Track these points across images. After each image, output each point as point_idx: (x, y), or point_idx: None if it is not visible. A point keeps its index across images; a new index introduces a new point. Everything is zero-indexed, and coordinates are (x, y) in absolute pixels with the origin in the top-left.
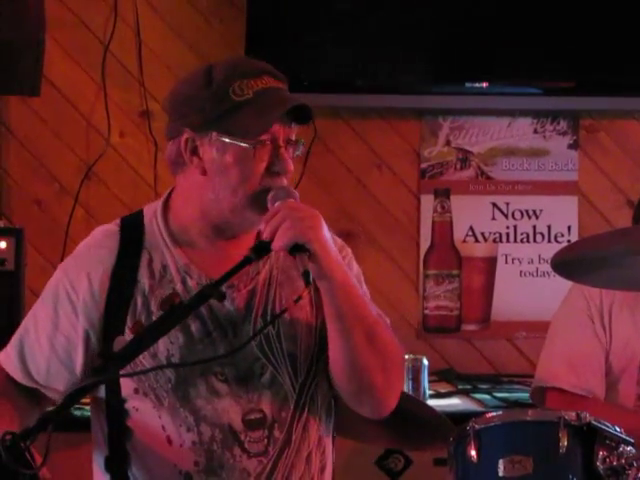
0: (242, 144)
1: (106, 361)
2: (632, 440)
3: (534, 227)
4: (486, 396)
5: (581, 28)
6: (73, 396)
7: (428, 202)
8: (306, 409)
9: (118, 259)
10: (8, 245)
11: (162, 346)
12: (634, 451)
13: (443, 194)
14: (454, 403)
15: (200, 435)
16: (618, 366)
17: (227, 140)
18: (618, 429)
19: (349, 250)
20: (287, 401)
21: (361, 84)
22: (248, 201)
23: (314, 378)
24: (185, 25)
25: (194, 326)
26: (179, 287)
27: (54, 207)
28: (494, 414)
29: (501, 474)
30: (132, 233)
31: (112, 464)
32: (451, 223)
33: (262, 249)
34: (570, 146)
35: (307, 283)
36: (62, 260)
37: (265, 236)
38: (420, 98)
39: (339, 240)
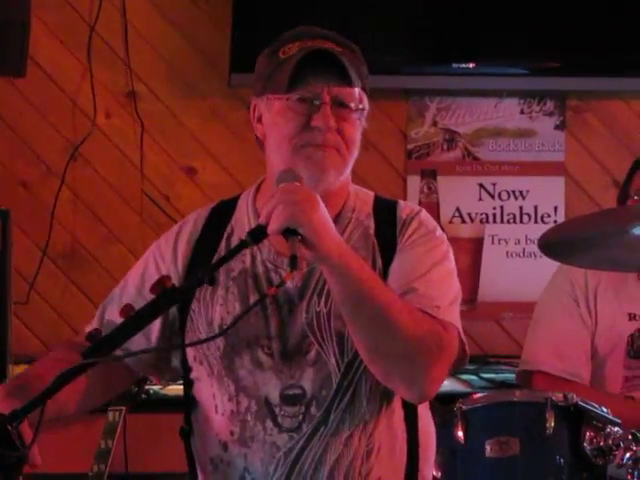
0: (280, 99)
1: (95, 344)
2: (619, 421)
3: (521, 208)
4: (473, 377)
5: (567, 8)
6: (62, 379)
7: (415, 183)
8: (350, 390)
9: (202, 233)
10: None
11: (217, 314)
12: (621, 432)
13: (430, 175)
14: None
15: (238, 405)
16: (604, 349)
17: (271, 97)
18: (605, 410)
19: (437, 242)
20: (330, 380)
21: None
22: (293, 158)
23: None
24: (171, 5)
25: (252, 298)
26: (248, 261)
27: (40, 188)
28: (481, 395)
29: (488, 455)
30: (221, 211)
31: (183, 434)
32: (438, 204)
33: (258, 233)
34: (557, 127)
35: (292, 267)
36: (48, 241)
37: (261, 220)
38: (407, 79)
39: (435, 231)
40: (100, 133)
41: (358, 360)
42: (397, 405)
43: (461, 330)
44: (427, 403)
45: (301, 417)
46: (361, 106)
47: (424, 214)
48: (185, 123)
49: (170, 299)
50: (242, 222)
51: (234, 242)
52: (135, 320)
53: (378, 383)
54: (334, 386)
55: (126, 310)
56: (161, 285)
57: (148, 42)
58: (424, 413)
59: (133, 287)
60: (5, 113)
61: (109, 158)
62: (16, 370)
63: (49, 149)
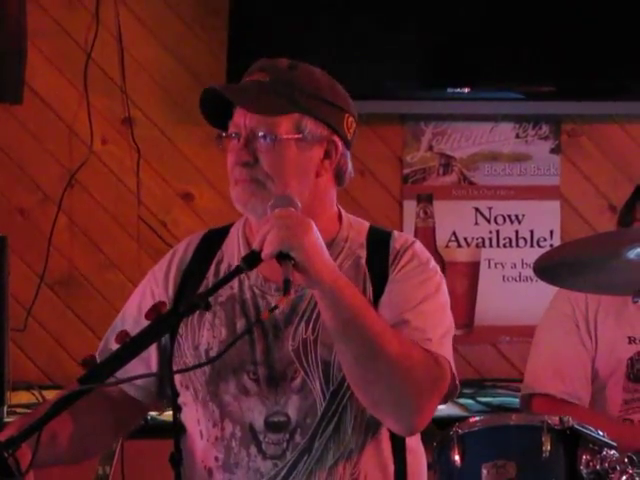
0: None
1: (89, 370)
2: (614, 444)
3: (517, 232)
4: (470, 401)
5: (562, 33)
6: (57, 406)
7: (411, 207)
8: (335, 419)
9: (192, 260)
10: None
11: (204, 339)
12: (617, 455)
13: (426, 199)
14: (438, 408)
15: (223, 431)
16: (604, 372)
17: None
18: (601, 433)
19: (430, 274)
20: (314, 408)
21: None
22: (233, 193)
23: (348, 388)
24: (167, 33)
25: (239, 323)
26: (236, 286)
27: (37, 215)
28: (477, 419)
29: (484, 479)
30: (213, 238)
31: (173, 461)
32: (434, 228)
33: (253, 258)
34: (552, 151)
35: (285, 292)
36: (45, 268)
37: (255, 245)
38: (402, 103)
39: (428, 263)
40: (97, 159)
41: (343, 389)
42: (384, 436)
43: (452, 363)
44: (418, 437)
45: (285, 444)
46: (292, 133)
47: (418, 246)
48: (181, 149)
49: (165, 325)
50: (232, 250)
51: (223, 269)
52: (130, 346)
53: (364, 412)
54: (319, 414)
55: (121, 336)
56: (156, 311)
57: (144, 68)
58: (414, 446)
59: (131, 317)
60: (2, 140)
61: (106, 184)
62: (14, 397)
63: (46, 176)
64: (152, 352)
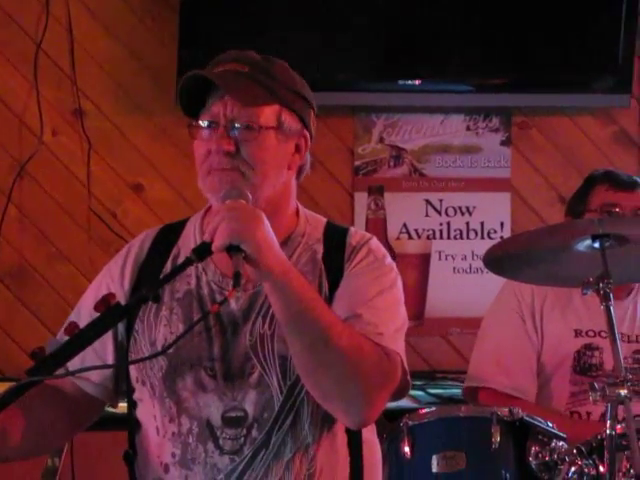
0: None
1: (38, 362)
2: (564, 435)
3: (467, 224)
4: (420, 392)
5: (512, 26)
6: (5, 398)
7: (362, 199)
8: (292, 413)
9: (148, 254)
10: None
11: (161, 335)
12: (566, 446)
13: (377, 191)
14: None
15: (180, 426)
16: (551, 365)
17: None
18: (550, 424)
19: (386, 270)
20: (272, 403)
21: None
22: (203, 184)
23: None
24: (118, 23)
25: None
26: (193, 282)
27: None
28: (427, 410)
29: (435, 470)
30: (169, 232)
31: (127, 457)
32: (385, 220)
33: (203, 250)
34: (502, 143)
35: (235, 284)
36: None
37: (205, 237)
38: (353, 95)
39: (384, 259)
40: (47, 151)
41: (301, 383)
42: (340, 429)
43: (404, 359)
44: (373, 428)
45: (242, 440)
46: (273, 124)
47: (374, 242)
48: (132, 140)
49: (114, 316)
50: (189, 244)
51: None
52: (79, 337)
53: (320, 406)
54: (276, 409)
55: (71, 328)
56: (105, 303)
57: (95, 60)
58: (369, 437)
59: (86, 311)
60: None
61: (56, 176)
62: None
63: None
64: (108, 348)
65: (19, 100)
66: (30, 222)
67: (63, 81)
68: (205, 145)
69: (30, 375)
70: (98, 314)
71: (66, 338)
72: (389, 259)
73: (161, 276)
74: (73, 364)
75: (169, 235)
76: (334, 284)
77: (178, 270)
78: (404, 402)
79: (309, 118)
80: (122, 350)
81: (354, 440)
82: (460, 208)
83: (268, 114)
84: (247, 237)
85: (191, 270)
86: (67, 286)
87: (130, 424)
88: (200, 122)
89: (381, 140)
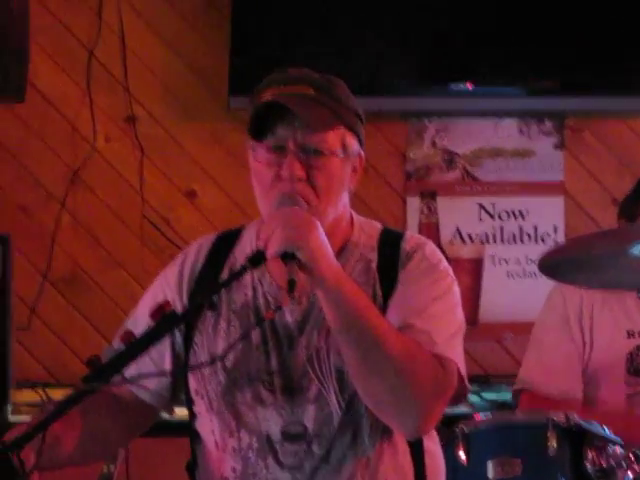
0: (253, 148)
1: (94, 371)
2: (620, 440)
3: (520, 228)
4: (474, 397)
5: (566, 28)
6: (62, 406)
7: (414, 204)
8: (351, 427)
9: (205, 263)
10: None
11: (220, 347)
12: (622, 451)
13: (429, 196)
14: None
15: (239, 441)
16: (603, 367)
17: (250, 144)
18: (607, 429)
19: (440, 275)
20: (331, 417)
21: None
22: (272, 207)
23: None
24: (170, 30)
25: (254, 333)
26: (249, 294)
27: (40, 213)
28: (483, 417)
29: (490, 476)
30: (225, 241)
31: (189, 468)
32: (437, 225)
33: (258, 258)
34: (555, 146)
35: (290, 291)
36: (49, 266)
37: (259, 244)
38: (405, 100)
39: (438, 264)
40: (100, 157)
41: (358, 397)
42: (400, 440)
43: (462, 365)
44: (435, 437)
45: (303, 455)
46: (336, 149)
47: (429, 247)
48: (184, 146)
49: (170, 324)
50: (245, 253)
51: None
52: (135, 346)
53: (379, 419)
54: (335, 424)
55: (126, 336)
56: (161, 310)
57: (147, 66)
58: (431, 447)
59: (143, 318)
60: (5, 139)
61: (109, 182)
62: (18, 395)
63: (49, 174)
64: (166, 357)
65: (72, 107)
66: (83, 229)
67: (115, 88)
68: (272, 169)
69: (86, 383)
70: (154, 322)
71: (122, 346)
72: (444, 264)
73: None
74: (129, 372)
75: (225, 244)
76: (388, 292)
77: (234, 277)
78: (458, 408)
79: (363, 136)
80: (180, 360)
81: (416, 450)
82: (513, 212)
83: (335, 138)
84: (302, 244)
85: (247, 281)
86: (120, 292)
87: (191, 435)
88: (265, 144)
89: (433, 144)
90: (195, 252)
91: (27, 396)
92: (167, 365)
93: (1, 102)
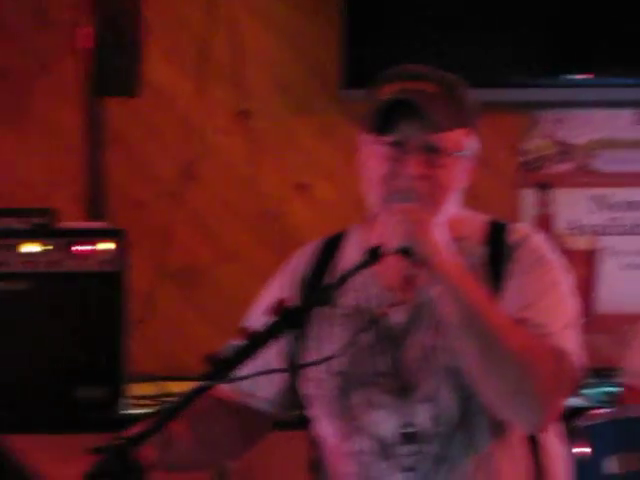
0: (370, 142)
1: (214, 366)
2: None
3: (636, 219)
4: (591, 391)
5: None
6: (182, 402)
7: (528, 196)
8: (468, 425)
9: (311, 266)
10: (113, 247)
11: (330, 350)
12: None
13: (544, 187)
14: None
15: (355, 445)
16: None
17: (364, 138)
18: None
19: (549, 266)
20: (446, 416)
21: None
22: (383, 206)
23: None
24: (282, 23)
25: (365, 336)
26: (359, 297)
27: (155, 207)
28: (601, 411)
29: (610, 471)
30: (328, 246)
31: (311, 469)
32: (552, 217)
33: (376, 253)
34: None
35: (406, 286)
36: (164, 261)
37: (377, 240)
38: (519, 91)
39: (546, 255)
40: (213, 151)
41: (473, 394)
42: (518, 436)
43: (579, 356)
44: (555, 431)
45: (420, 455)
46: (459, 149)
47: (536, 238)
48: (297, 140)
49: (288, 322)
50: (348, 257)
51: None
52: (254, 342)
53: (495, 415)
54: (451, 422)
55: (244, 333)
56: (279, 307)
57: (260, 60)
58: (551, 441)
59: (260, 316)
60: (119, 134)
61: (222, 176)
62: (135, 389)
63: (163, 168)
64: (276, 362)
65: (186, 102)
66: (198, 223)
67: (228, 82)
68: (388, 165)
69: (204, 380)
70: (272, 318)
71: (240, 343)
72: (553, 253)
73: (332, 281)
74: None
75: (329, 249)
76: (497, 287)
77: (350, 274)
78: (576, 401)
79: (478, 134)
80: (292, 364)
81: (534, 446)
82: (629, 203)
83: (457, 138)
84: (421, 239)
85: (356, 284)
86: (235, 286)
87: (309, 438)
88: (385, 139)
89: (547, 136)
90: (301, 257)
91: (143, 389)
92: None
93: (116, 97)
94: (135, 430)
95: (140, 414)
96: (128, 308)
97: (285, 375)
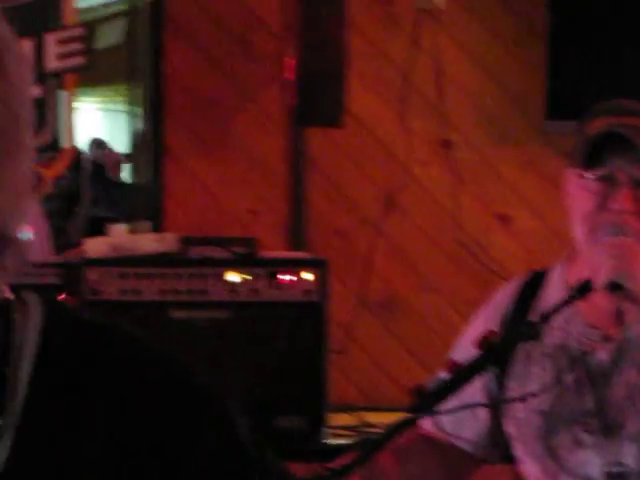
0: (577, 176)
1: (420, 399)
2: None
3: None
4: None
5: None
6: (388, 434)
7: None
8: None
9: (515, 303)
10: (314, 276)
11: (532, 388)
12: None
13: None
14: None
15: None
16: None
17: (571, 171)
18: None
19: None
20: None
21: None
22: (588, 242)
23: None
24: (485, 53)
25: (568, 375)
26: (561, 336)
27: (356, 238)
28: None
29: None
30: (535, 279)
31: None
32: None
33: (584, 287)
34: None
35: (619, 322)
36: (364, 291)
37: (587, 274)
38: None
39: None
40: (415, 182)
41: None
42: None
43: None
44: None
45: None
46: None
47: None
48: (500, 171)
49: (493, 357)
50: (552, 293)
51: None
52: (459, 377)
53: None
54: None
55: (451, 366)
56: (486, 340)
57: (462, 90)
58: None
59: (467, 349)
60: (322, 162)
61: (424, 206)
62: (334, 419)
63: (364, 198)
64: (481, 398)
65: (387, 132)
66: (400, 255)
67: (431, 112)
68: (596, 199)
69: (410, 413)
70: (478, 351)
71: (445, 376)
72: None
73: (535, 317)
74: (447, 420)
75: (532, 285)
76: None
77: (558, 309)
78: None
79: None
80: (495, 398)
81: None
82: None
83: None
84: (632, 274)
85: (558, 323)
86: (435, 317)
87: (515, 478)
88: (593, 173)
89: None
90: (505, 292)
91: (343, 419)
92: (483, 411)
93: (318, 126)
94: (341, 461)
95: (340, 444)
96: (328, 338)
97: (489, 414)
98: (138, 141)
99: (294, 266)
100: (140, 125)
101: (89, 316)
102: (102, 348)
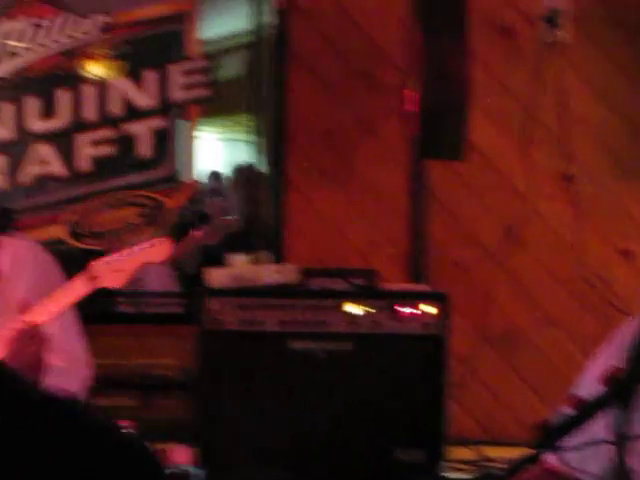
0: None
1: (544, 435)
2: None
3: None
4: None
5: None
6: (513, 469)
7: None
8: None
9: (638, 340)
10: (436, 310)
11: None
12: None
13: None
14: None
15: None
16: None
17: None
18: None
19: None
20: None
21: None
22: None
23: None
24: (609, 88)
25: None
26: None
27: (477, 271)
28: None
29: None
30: None
31: None
32: None
33: None
34: None
35: None
36: (485, 324)
37: None
38: None
39: None
40: (537, 216)
41: None
42: None
43: None
44: None
45: None
46: None
47: None
48: (621, 204)
49: (618, 393)
50: None
51: None
52: (583, 413)
53: None
54: None
55: (575, 402)
56: (610, 378)
57: (584, 123)
58: None
59: (591, 384)
60: (442, 195)
61: (545, 240)
62: (453, 452)
63: (485, 230)
64: (605, 435)
65: (509, 164)
66: (522, 289)
67: (553, 145)
68: None
69: (535, 448)
70: (601, 390)
71: (568, 412)
72: None
73: None
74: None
75: None
76: None
77: None
78: None
79: None
80: (620, 435)
81: None
82: None
83: None
84: None
85: None
86: (556, 352)
87: None
88: None
89: None
90: (629, 327)
91: (462, 453)
92: (606, 446)
93: (440, 159)
94: None
95: (458, 478)
96: (448, 371)
97: (613, 450)
98: (252, 172)
99: (415, 299)
100: (262, 156)
101: None
102: None
